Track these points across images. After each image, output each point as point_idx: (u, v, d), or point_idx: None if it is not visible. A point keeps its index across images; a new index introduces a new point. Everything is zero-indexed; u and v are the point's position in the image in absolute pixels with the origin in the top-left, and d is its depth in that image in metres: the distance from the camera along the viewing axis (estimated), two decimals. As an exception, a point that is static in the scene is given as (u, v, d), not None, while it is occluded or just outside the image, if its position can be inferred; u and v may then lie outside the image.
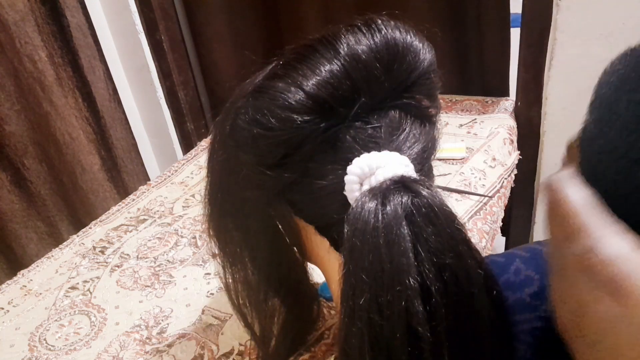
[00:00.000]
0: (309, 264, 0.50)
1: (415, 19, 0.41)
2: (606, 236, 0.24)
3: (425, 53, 0.39)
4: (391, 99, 0.39)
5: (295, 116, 0.36)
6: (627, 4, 0.90)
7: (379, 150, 0.36)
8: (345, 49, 0.37)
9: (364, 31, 0.38)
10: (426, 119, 0.41)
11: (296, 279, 0.50)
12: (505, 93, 1.20)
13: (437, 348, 0.31)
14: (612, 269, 0.24)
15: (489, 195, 0.88)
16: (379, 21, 0.38)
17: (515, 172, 1.03)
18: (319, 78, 0.36)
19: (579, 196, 0.26)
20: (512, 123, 1.11)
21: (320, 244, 0.43)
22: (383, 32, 0.38)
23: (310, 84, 0.36)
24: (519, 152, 1.08)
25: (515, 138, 1.10)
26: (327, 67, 0.36)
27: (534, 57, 1.04)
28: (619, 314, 0.24)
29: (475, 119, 1.13)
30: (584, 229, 0.25)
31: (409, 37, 0.39)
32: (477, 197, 0.86)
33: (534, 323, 0.36)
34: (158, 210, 0.96)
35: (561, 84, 1.02)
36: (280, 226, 0.45)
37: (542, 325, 0.39)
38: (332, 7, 1.24)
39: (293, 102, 0.36)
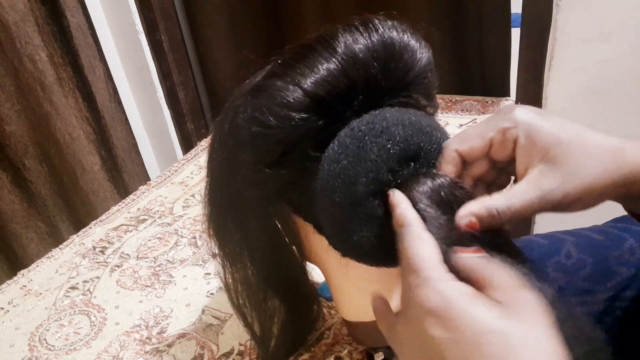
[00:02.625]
0: (308, 264, 0.50)
1: (415, 19, 0.41)
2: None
3: (422, 52, 0.39)
4: (388, 97, 0.39)
5: (294, 114, 0.36)
6: (627, 4, 0.90)
7: None
8: (343, 47, 0.37)
9: (361, 30, 0.38)
10: None
11: (295, 279, 0.50)
12: (505, 93, 1.20)
13: None
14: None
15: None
16: (376, 21, 0.39)
17: (516, 172, 1.03)
18: (316, 76, 0.36)
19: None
20: (512, 123, 1.10)
21: (318, 243, 0.43)
22: (380, 32, 0.38)
23: (308, 82, 0.36)
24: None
25: (515, 138, 1.10)
26: (325, 66, 0.37)
27: (534, 57, 1.04)
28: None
29: (475, 119, 1.13)
30: None
31: (405, 36, 0.39)
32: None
33: (590, 307, 0.36)
34: (158, 210, 0.96)
35: (561, 84, 1.02)
36: (279, 225, 0.45)
37: (600, 309, 0.39)
38: (332, 8, 1.24)
39: (291, 100, 0.36)
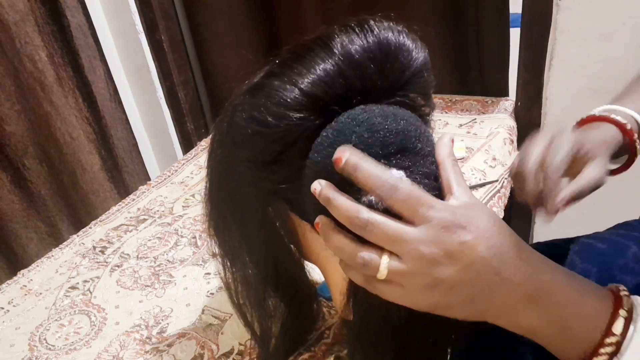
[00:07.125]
0: (308, 263, 0.50)
1: (415, 20, 0.41)
2: None
3: (418, 52, 0.40)
4: (385, 97, 0.39)
5: (291, 113, 0.37)
6: (627, 4, 0.90)
7: None
8: (339, 48, 0.38)
9: (357, 31, 0.39)
10: (420, 118, 0.41)
11: (294, 277, 0.50)
12: (505, 93, 1.20)
13: None
14: None
15: (495, 180, 0.89)
16: (372, 22, 0.39)
17: (515, 172, 1.03)
18: (313, 76, 0.37)
19: None
20: (512, 123, 1.11)
21: (316, 242, 0.44)
22: (375, 32, 0.39)
23: (305, 82, 0.37)
24: (519, 152, 1.08)
25: (515, 138, 1.10)
26: (322, 66, 0.37)
27: (534, 57, 1.04)
28: None
29: (475, 119, 1.13)
30: None
31: (401, 36, 0.39)
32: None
33: None
34: (158, 210, 0.96)
35: (561, 84, 1.02)
36: (277, 223, 0.45)
37: None
38: (331, 8, 1.24)
39: (288, 100, 0.37)
